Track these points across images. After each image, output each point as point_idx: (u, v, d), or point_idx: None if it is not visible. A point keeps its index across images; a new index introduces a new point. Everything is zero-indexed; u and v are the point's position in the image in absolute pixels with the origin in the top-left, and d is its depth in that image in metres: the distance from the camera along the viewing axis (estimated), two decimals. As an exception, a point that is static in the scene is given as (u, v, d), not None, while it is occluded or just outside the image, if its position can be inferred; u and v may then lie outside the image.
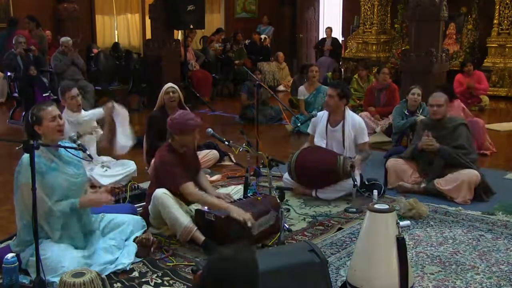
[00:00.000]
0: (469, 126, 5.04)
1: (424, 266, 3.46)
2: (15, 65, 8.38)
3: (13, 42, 8.48)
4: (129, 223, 3.67)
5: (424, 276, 3.32)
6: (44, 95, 7.97)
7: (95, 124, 5.15)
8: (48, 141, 3.28)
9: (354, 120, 4.97)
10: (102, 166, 5.08)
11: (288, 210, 4.42)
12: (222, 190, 4.37)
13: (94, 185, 4.44)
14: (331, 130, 4.98)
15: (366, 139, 4.98)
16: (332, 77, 10.02)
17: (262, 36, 12.89)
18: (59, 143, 3.35)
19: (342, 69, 12.45)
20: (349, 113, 4.98)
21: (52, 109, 3.32)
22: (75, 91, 4.96)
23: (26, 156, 3.15)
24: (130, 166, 5.14)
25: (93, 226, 3.56)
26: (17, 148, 3.03)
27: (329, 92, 4.93)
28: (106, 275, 3.22)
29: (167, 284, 3.22)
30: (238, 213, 3.61)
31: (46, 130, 3.28)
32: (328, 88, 5.01)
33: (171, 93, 5.13)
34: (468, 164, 4.71)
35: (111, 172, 5.03)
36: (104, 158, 5.26)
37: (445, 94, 5.00)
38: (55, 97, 8.36)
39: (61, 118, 3.37)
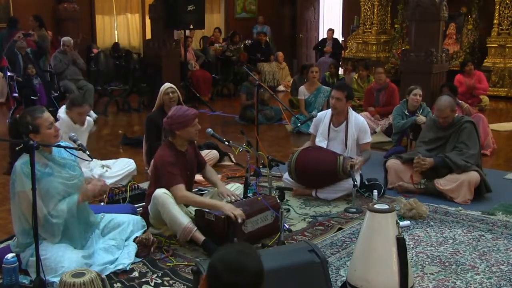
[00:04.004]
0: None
1: (424, 266, 3.46)
2: (15, 61, 8.40)
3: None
4: (129, 223, 3.67)
5: (424, 276, 3.32)
6: (32, 97, 7.97)
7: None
8: (42, 147, 3.24)
9: (358, 120, 4.97)
10: (102, 167, 5.07)
11: (288, 210, 4.42)
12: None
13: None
14: (334, 130, 4.97)
15: (369, 139, 4.98)
16: (330, 73, 10.04)
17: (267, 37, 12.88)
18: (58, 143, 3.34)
19: (342, 69, 12.45)
20: (352, 113, 4.98)
21: (48, 116, 3.27)
22: (87, 108, 4.94)
23: (18, 164, 3.14)
24: (129, 165, 5.13)
25: (94, 220, 3.56)
26: (17, 148, 3.02)
27: (337, 95, 4.86)
28: (106, 275, 3.22)
29: (167, 284, 3.22)
30: (230, 209, 3.62)
31: (44, 137, 3.22)
32: (333, 91, 4.98)
33: (170, 94, 5.13)
34: (467, 167, 4.70)
35: (111, 172, 5.03)
36: (104, 162, 5.24)
37: (449, 98, 4.98)
38: (56, 94, 8.41)
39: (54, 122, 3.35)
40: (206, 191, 4.46)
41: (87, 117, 5.01)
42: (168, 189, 3.76)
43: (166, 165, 3.80)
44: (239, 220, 3.58)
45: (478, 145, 4.89)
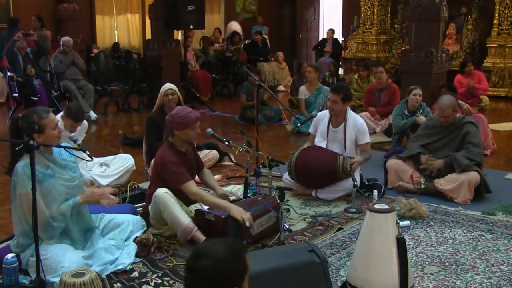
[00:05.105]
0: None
1: (424, 266, 3.46)
2: (15, 61, 8.41)
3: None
4: (129, 223, 3.66)
5: (424, 276, 3.32)
6: (32, 98, 7.98)
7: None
8: (44, 148, 3.24)
9: (356, 121, 4.96)
10: (101, 165, 5.07)
11: (288, 210, 4.42)
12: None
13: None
14: (332, 130, 4.97)
15: (368, 139, 4.97)
16: (330, 72, 10.04)
17: (264, 36, 12.91)
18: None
19: (342, 69, 12.46)
20: (350, 114, 4.97)
21: (53, 116, 3.28)
22: (84, 123, 5.05)
23: (20, 165, 3.13)
24: (128, 161, 5.13)
25: (92, 223, 3.56)
26: (17, 148, 3.02)
27: (333, 98, 4.85)
28: (106, 275, 3.22)
29: (167, 284, 3.22)
30: (238, 212, 3.61)
31: (48, 138, 3.21)
32: (329, 94, 4.96)
33: (170, 96, 5.11)
34: (468, 167, 4.70)
35: (110, 171, 5.03)
36: (102, 159, 5.24)
37: (452, 98, 4.98)
38: (56, 93, 8.42)
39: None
40: (206, 191, 4.45)
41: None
42: (178, 187, 3.76)
43: (170, 165, 3.80)
44: (247, 224, 3.57)
45: (481, 144, 4.91)
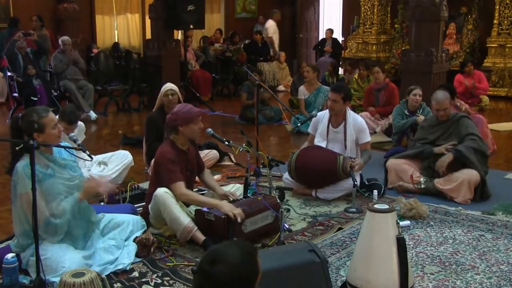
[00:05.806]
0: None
1: (424, 266, 3.46)
2: (15, 61, 8.41)
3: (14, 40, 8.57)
4: (129, 223, 3.67)
5: (424, 276, 3.32)
6: (32, 98, 7.98)
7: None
8: (44, 147, 3.24)
9: (356, 120, 4.96)
10: (99, 164, 5.06)
11: (288, 210, 4.42)
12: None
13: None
14: (332, 131, 4.97)
15: (368, 139, 4.97)
16: (329, 72, 10.05)
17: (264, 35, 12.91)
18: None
19: (342, 69, 12.45)
20: (350, 114, 4.97)
21: (53, 116, 3.28)
22: (81, 125, 5.04)
23: (20, 165, 3.13)
24: (126, 158, 5.13)
25: (94, 218, 3.56)
26: (17, 148, 3.02)
27: (333, 97, 4.85)
28: (106, 275, 3.22)
29: (167, 284, 3.22)
30: (229, 209, 3.63)
31: (48, 137, 3.22)
32: (330, 93, 4.97)
33: (170, 96, 5.11)
34: (477, 163, 4.69)
35: (108, 169, 5.02)
36: (100, 156, 5.23)
37: (445, 92, 5.01)
38: (56, 93, 8.42)
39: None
40: (206, 191, 4.46)
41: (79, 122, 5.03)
42: (168, 186, 3.76)
43: (166, 162, 3.81)
44: (239, 220, 3.59)
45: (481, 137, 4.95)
